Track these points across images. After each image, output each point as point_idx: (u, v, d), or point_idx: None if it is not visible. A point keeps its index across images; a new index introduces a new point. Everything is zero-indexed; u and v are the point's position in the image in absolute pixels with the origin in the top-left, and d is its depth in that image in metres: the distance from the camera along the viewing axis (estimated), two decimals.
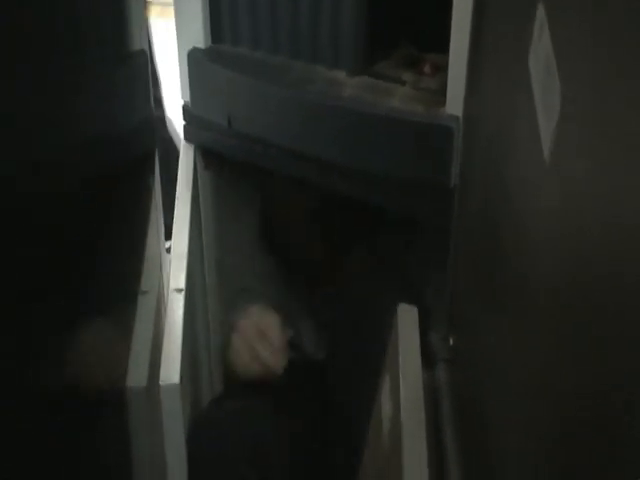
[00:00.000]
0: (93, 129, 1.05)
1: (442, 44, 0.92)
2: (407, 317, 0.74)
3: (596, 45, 0.44)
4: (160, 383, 0.88)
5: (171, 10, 1.18)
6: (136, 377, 0.85)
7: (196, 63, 1.15)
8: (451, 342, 0.72)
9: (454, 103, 0.91)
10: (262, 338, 1.13)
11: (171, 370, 0.90)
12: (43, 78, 1.01)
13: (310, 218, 1.23)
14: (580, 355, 0.45)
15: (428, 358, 0.72)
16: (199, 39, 1.15)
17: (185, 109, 1.22)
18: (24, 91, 0.98)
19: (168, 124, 1.63)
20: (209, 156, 1.25)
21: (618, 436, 0.38)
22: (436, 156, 0.93)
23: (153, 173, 1.09)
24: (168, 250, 1.13)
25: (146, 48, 1.07)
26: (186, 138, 1.24)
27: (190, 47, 1.16)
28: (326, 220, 1.22)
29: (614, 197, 0.40)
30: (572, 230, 0.47)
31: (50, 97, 1.02)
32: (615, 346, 0.39)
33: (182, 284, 1.01)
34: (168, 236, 1.16)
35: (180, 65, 1.18)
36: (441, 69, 0.97)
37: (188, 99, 1.20)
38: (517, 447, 0.58)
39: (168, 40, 1.30)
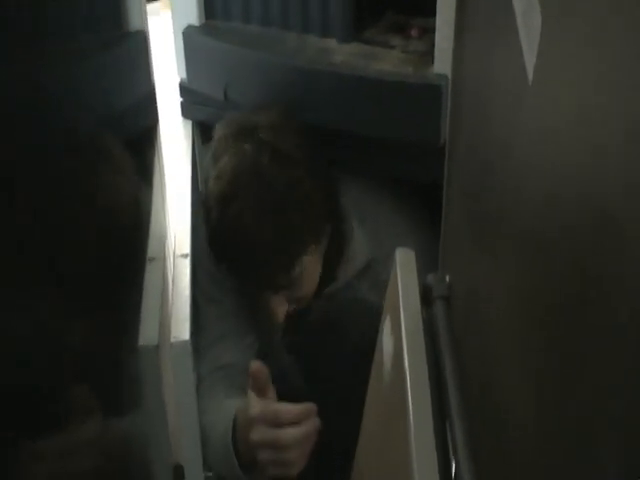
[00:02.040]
0: (99, 104, 1.09)
1: (427, 8, 0.96)
2: (405, 260, 0.78)
3: None
4: (171, 340, 0.92)
5: None
6: (147, 336, 0.88)
7: (191, 40, 1.19)
8: (447, 280, 0.75)
9: (442, 62, 0.95)
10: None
11: (181, 328, 0.94)
12: (47, 56, 1.05)
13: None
14: (566, 277, 0.48)
15: (426, 297, 0.76)
16: (193, 17, 1.19)
17: (182, 86, 1.25)
18: (30, 69, 1.02)
19: None
20: (207, 132, 1.29)
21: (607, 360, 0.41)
22: (426, 115, 0.97)
23: (156, 145, 1.12)
24: None
25: (145, 27, 1.10)
26: (184, 114, 1.28)
27: (185, 25, 1.20)
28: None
29: (594, 119, 0.44)
30: (555, 158, 0.51)
31: (54, 75, 1.06)
32: (599, 262, 0.42)
33: (187, 250, 1.05)
34: None
35: (176, 43, 1.22)
36: (428, 32, 1.01)
37: (184, 76, 1.24)
38: (512, 371, 0.62)
39: (157, 24, 1.34)
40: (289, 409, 0.96)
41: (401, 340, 0.71)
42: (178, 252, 1.05)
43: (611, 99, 0.41)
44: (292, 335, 1.25)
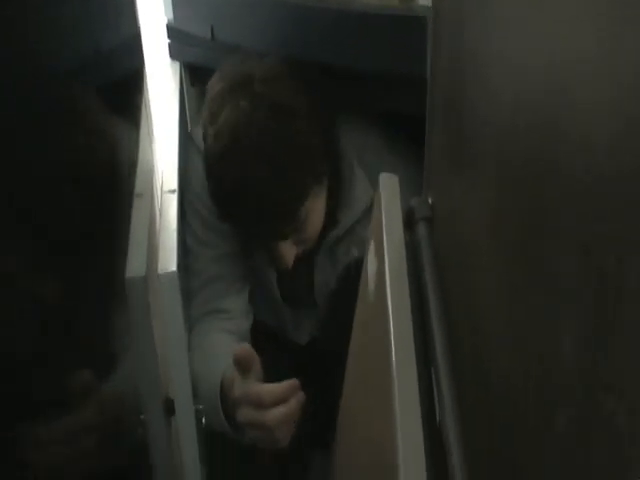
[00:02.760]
0: (83, 45, 1.08)
1: None
2: (388, 184, 0.78)
3: None
4: (159, 271, 0.93)
5: None
6: (135, 268, 0.89)
7: None
8: (430, 201, 0.76)
9: None
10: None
11: (169, 260, 0.94)
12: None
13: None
14: (539, 197, 0.48)
15: (409, 219, 0.76)
16: None
17: (169, 27, 1.25)
18: (12, 11, 1.02)
19: None
20: (195, 73, 1.29)
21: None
22: (413, 46, 0.96)
23: (142, 86, 1.12)
24: None
25: None
26: (171, 56, 1.27)
27: None
28: None
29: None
30: (529, 85, 0.51)
31: (37, 15, 1.05)
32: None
33: (174, 186, 1.05)
34: None
35: None
36: None
37: (171, 16, 1.23)
38: (491, 291, 0.62)
39: None
40: (271, 390, 0.98)
41: (384, 260, 0.72)
42: (165, 188, 1.06)
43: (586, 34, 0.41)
44: (287, 281, 1.25)
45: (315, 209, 1.11)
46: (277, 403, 0.97)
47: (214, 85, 1.09)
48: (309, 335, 1.30)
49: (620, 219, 0.35)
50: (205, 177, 1.11)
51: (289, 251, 1.13)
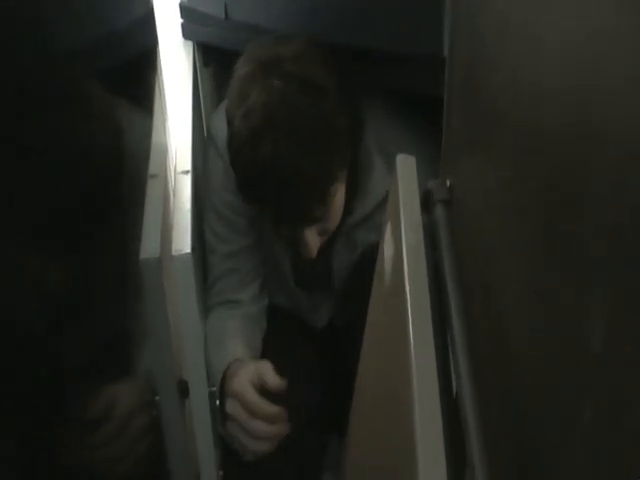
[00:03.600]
0: (97, 24, 1.07)
1: None
2: (406, 166, 0.77)
3: None
4: (173, 253, 0.92)
5: None
6: (149, 250, 0.89)
7: None
8: (448, 184, 0.75)
9: None
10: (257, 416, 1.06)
11: (183, 241, 0.94)
12: None
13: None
14: (559, 178, 0.47)
15: (427, 202, 0.75)
16: None
17: (182, 6, 1.24)
18: None
19: None
20: (209, 53, 1.28)
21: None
22: (430, 26, 0.95)
23: (156, 66, 1.11)
24: None
25: None
26: (185, 35, 1.26)
27: None
28: None
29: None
30: (548, 64, 0.50)
31: None
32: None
33: (188, 166, 1.05)
34: None
35: None
36: None
37: None
38: (510, 274, 0.62)
39: None
40: (262, 408, 1.03)
41: (401, 243, 0.72)
42: (179, 169, 1.05)
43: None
44: (303, 268, 1.25)
45: (338, 195, 1.10)
46: (264, 420, 1.03)
47: (241, 67, 1.07)
48: (326, 319, 1.30)
49: None
50: (230, 163, 1.08)
51: (314, 239, 1.11)
